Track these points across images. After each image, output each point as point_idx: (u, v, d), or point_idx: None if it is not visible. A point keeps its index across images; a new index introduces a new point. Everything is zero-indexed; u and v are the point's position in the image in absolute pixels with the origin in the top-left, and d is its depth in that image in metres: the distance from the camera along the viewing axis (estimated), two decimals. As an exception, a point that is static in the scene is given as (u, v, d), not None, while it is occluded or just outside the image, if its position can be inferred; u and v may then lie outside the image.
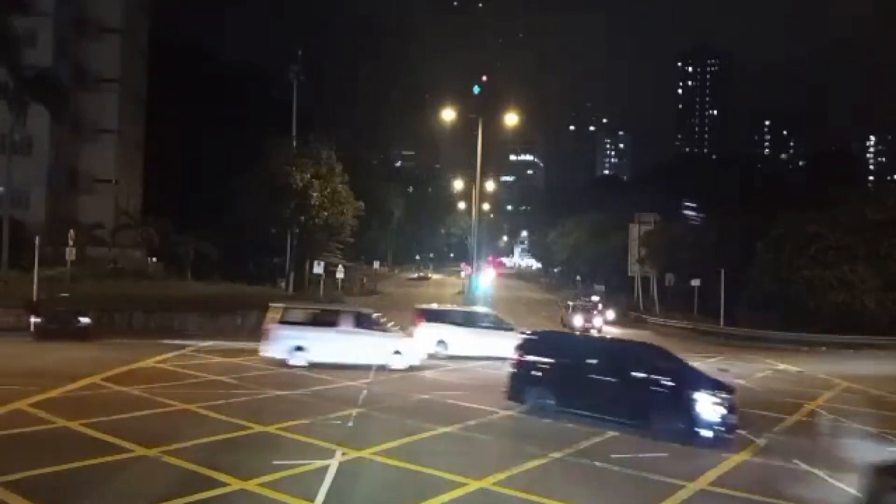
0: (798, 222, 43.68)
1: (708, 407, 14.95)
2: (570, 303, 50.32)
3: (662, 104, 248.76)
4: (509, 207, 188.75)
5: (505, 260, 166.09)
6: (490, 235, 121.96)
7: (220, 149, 53.29)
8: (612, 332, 43.25)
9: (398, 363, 23.54)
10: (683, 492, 11.65)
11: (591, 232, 79.84)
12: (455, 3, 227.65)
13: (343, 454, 12.92)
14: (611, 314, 51.37)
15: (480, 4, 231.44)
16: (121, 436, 13.45)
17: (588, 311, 46.21)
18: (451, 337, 27.43)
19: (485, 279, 51.63)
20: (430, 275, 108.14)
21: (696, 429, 14.85)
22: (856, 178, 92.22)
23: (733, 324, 43.72)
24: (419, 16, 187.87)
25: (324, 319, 24.66)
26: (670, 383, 15.63)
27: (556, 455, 13.47)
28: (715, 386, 15.74)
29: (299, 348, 23.09)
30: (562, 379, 16.93)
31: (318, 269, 47.55)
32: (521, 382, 17.56)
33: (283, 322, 23.71)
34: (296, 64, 52.61)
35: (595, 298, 54.98)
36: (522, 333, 19.16)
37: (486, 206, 70.15)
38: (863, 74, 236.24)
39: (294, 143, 50.18)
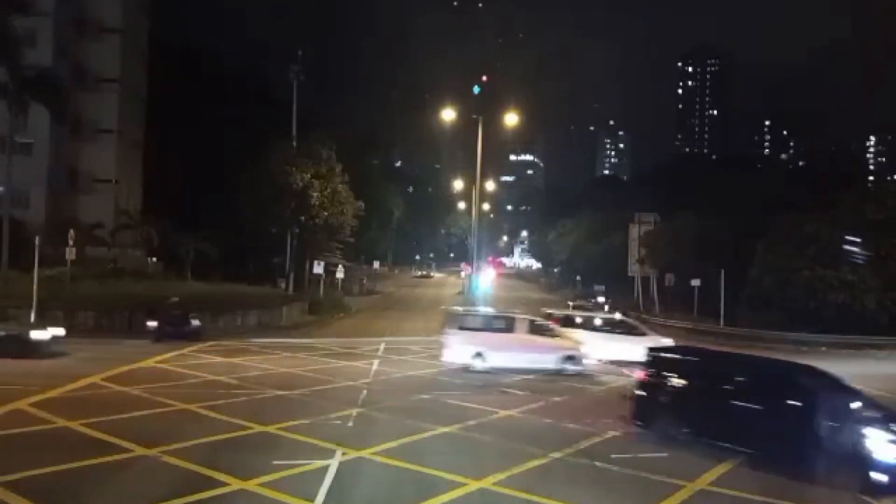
0: (798, 222, 43.64)
1: (882, 445, 12.48)
2: (570, 302, 50.22)
3: (662, 104, 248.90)
4: (509, 207, 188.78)
5: (505, 260, 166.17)
6: (490, 235, 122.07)
7: (220, 149, 53.23)
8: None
9: (571, 368, 23.93)
10: (683, 492, 11.66)
11: (591, 232, 79.73)
12: (455, 3, 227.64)
13: (343, 454, 12.94)
14: (618, 316, 49.82)
15: (480, 4, 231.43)
16: (121, 436, 13.47)
17: (588, 311, 45.68)
18: (586, 341, 26.78)
19: (485, 279, 51.55)
20: (432, 273, 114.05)
21: (867, 472, 12.37)
22: (856, 178, 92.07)
23: (733, 324, 43.67)
24: (419, 16, 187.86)
25: (500, 325, 25.05)
26: (833, 414, 12.99)
27: (556, 455, 13.48)
28: (890, 418, 13.11)
29: (479, 354, 23.65)
30: (698, 403, 14.66)
31: (318, 269, 47.55)
32: (649, 405, 15.50)
33: (462, 328, 24.36)
34: (296, 64, 52.50)
35: (601, 299, 53.74)
36: (651, 350, 17.04)
37: (486, 206, 70.23)
38: (863, 74, 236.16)
39: (294, 143, 50.12)
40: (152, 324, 29.20)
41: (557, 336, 25.17)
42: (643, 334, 27.94)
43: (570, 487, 11.67)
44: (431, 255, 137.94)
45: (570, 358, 24.17)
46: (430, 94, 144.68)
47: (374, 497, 11.33)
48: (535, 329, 24.75)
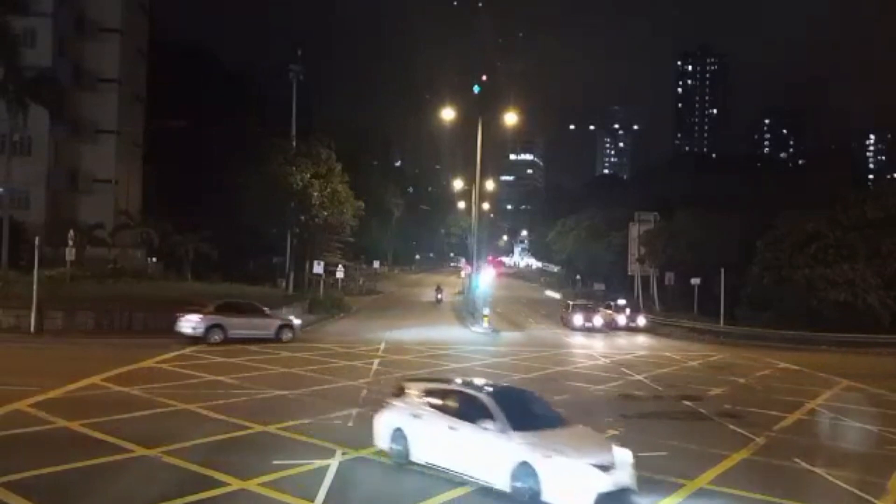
0: (798, 221, 43.66)
1: None
2: (570, 302, 50.07)
3: (662, 103, 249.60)
4: (509, 207, 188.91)
5: (505, 259, 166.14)
6: (490, 235, 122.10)
7: (219, 149, 53.22)
8: (641, 342, 40.08)
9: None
10: (683, 490, 11.65)
11: (591, 231, 79.80)
12: (455, 3, 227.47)
13: (343, 454, 12.94)
14: (641, 320, 46.82)
15: (480, 4, 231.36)
16: (121, 436, 13.47)
17: (589, 310, 45.15)
18: None
19: (485, 279, 51.44)
20: (460, 265, 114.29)
21: None
22: (856, 176, 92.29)
23: (734, 322, 43.69)
24: (419, 15, 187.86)
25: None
26: None
27: (556, 454, 13.41)
28: None
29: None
30: None
31: (318, 268, 47.51)
32: None
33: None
34: (296, 64, 52.64)
35: (622, 302, 50.83)
36: None
37: (486, 206, 70.19)
38: (862, 73, 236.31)
39: (294, 143, 50.17)
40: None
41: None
42: None
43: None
44: (431, 254, 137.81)
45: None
46: (429, 93, 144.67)
47: (374, 497, 11.34)
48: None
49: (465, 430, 11.43)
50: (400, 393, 13.32)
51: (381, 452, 13.01)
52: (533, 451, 10.57)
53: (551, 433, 11.24)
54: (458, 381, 13.79)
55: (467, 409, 11.70)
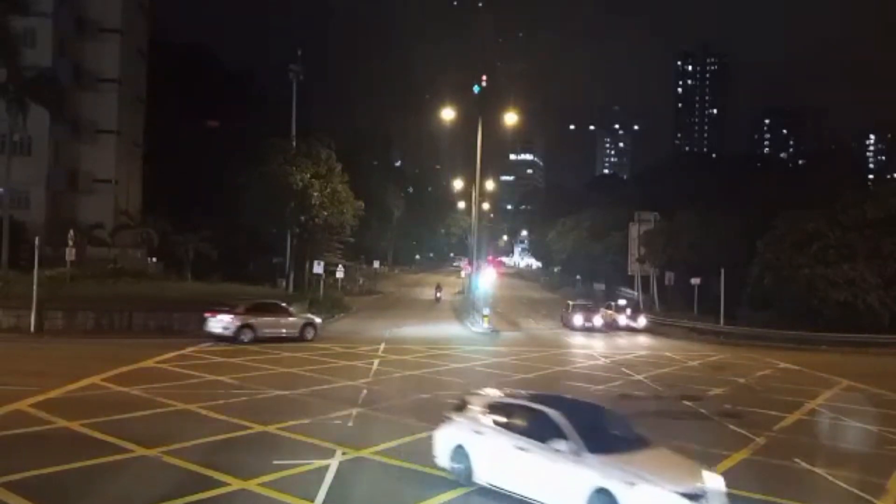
0: (798, 221, 43.64)
1: None
2: (570, 302, 50.00)
3: (662, 103, 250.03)
4: (509, 207, 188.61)
5: (505, 259, 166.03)
6: (490, 235, 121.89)
7: (219, 149, 53.19)
8: (642, 342, 39.48)
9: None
10: (683, 491, 11.62)
11: (592, 231, 79.64)
12: (455, 3, 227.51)
13: (343, 454, 12.96)
14: (643, 320, 46.24)
15: (480, 4, 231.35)
16: (121, 436, 13.47)
17: (589, 310, 45.08)
18: None
19: (485, 279, 51.39)
20: (461, 265, 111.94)
21: None
22: (856, 176, 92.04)
23: (734, 322, 43.66)
24: (419, 15, 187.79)
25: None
26: None
27: (556, 454, 13.38)
28: None
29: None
30: None
31: (318, 269, 47.49)
32: None
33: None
34: (296, 64, 52.58)
35: (623, 302, 50.36)
36: None
37: (485, 206, 70.21)
38: (863, 73, 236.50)
39: (294, 143, 50.16)
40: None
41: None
42: None
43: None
44: (431, 254, 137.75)
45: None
46: (429, 94, 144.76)
47: (374, 497, 11.34)
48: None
49: (534, 451, 10.45)
50: (462, 407, 12.28)
51: (381, 452, 13.03)
52: (612, 476, 9.54)
53: (632, 456, 10.15)
54: (526, 394, 12.60)
55: (536, 426, 10.70)
